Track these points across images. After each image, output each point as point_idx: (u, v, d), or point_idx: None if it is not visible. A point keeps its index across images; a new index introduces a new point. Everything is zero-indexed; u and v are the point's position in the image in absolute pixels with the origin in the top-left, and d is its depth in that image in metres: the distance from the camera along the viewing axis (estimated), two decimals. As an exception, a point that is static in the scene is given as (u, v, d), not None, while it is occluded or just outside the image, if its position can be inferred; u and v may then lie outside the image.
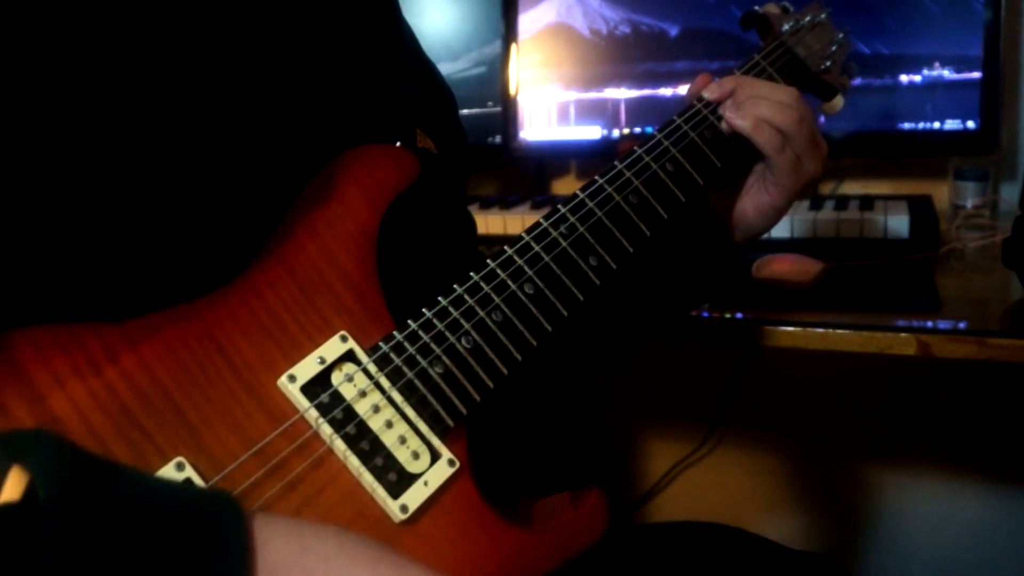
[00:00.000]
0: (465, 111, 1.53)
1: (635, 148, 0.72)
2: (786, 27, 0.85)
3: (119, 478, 0.39)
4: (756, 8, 0.86)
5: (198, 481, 0.50)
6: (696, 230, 0.79)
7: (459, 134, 0.81)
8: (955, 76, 1.23)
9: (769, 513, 1.64)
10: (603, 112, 1.44)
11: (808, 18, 0.87)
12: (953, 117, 1.24)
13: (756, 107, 0.74)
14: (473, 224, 0.87)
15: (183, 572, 0.37)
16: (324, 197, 0.60)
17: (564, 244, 0.66)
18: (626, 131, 1.42)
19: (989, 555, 1.50)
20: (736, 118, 0.74)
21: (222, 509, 0.40)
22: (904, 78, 1.25)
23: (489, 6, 1.51)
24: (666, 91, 1.39)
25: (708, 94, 0.76)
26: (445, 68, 1.53)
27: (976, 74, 1.21)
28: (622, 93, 1.42)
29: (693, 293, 0.85)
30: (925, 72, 1.24)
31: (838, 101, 0.89)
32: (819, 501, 1.62)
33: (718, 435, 1.65)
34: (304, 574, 0.40)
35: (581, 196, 0.69)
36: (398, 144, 0.66)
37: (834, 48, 0.87)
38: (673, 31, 1.38)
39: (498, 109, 1.51)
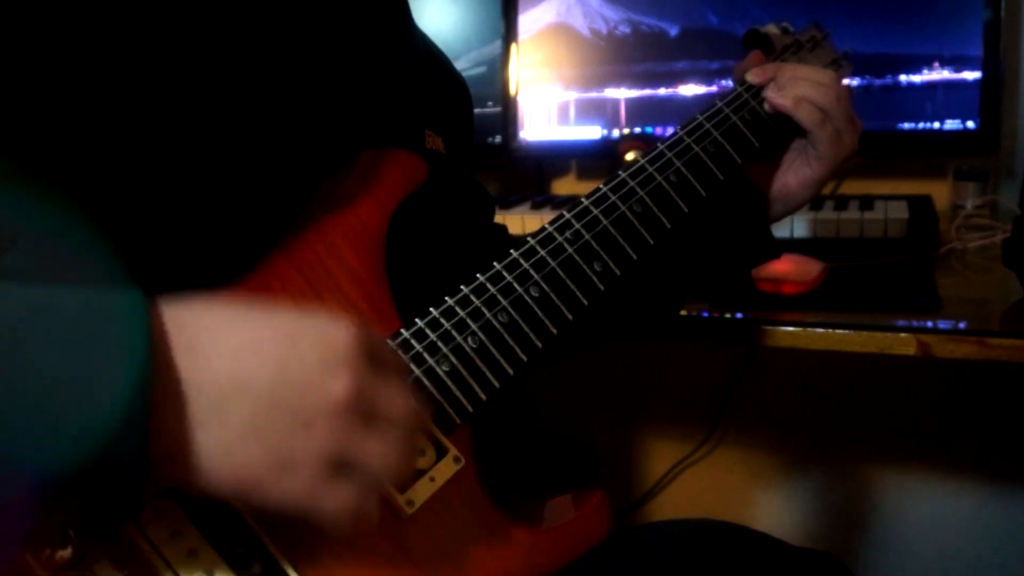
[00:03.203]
0: (465, 111, 1.53)
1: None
2: (787, 47, 0.86)
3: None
4: (757, 27, 0.88)
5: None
6: (736, 202, 0.83)
7: (470, 126, 0.84)
8: (955, 76, 1.23)
9: (769, 513, 1.64)
10: (603, 112, 1.44)
11: (808, 39, 0.88)
12: (953, 117, 1.24)
13: (796, 87, 0.79)
14: (490, 199, 0.92)
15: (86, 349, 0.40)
16: (334, 200, 0.61)
17: (570, 250, 0.67)
18: (626, 131, 1.42)
19: (989, 555, 1.50)
20: (778, 97, 0.79)
21: (123, 294, 0.43)
22: (904, 78, 1.25)
23: (489, 6, 1.52)
24: (666, 91, 1.39)
25: (752, 78, 0.81)
26: (445, 68, 1.53)
27: (976, 74, 1.22)
28: (622, 93, 1.42)
29: (729, 263, 0.88)
30: (925, 72, 1.24)
31: None
32: (819, 501, 1.62)
33: (718, 435, 1.66)
34: (189, 339, 0.43)
35: (604, 189, 0.72)
36: (406, 147, 0.67)
37: (834, 68, 0.88)
38: (673, 31, 1.38)
39: (498, 109, 1.51)
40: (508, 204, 1.41)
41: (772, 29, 0.88)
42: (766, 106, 0.81)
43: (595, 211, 0.69)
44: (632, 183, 0.72)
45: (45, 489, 0.41)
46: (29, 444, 0.39)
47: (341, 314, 0.47)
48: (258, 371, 0.44)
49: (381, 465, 0.47)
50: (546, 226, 0.68)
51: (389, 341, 0.58)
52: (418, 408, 0.50)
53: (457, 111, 0.81)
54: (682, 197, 0.74)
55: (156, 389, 0.41)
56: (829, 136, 0.79)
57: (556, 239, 0.67)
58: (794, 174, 0.84)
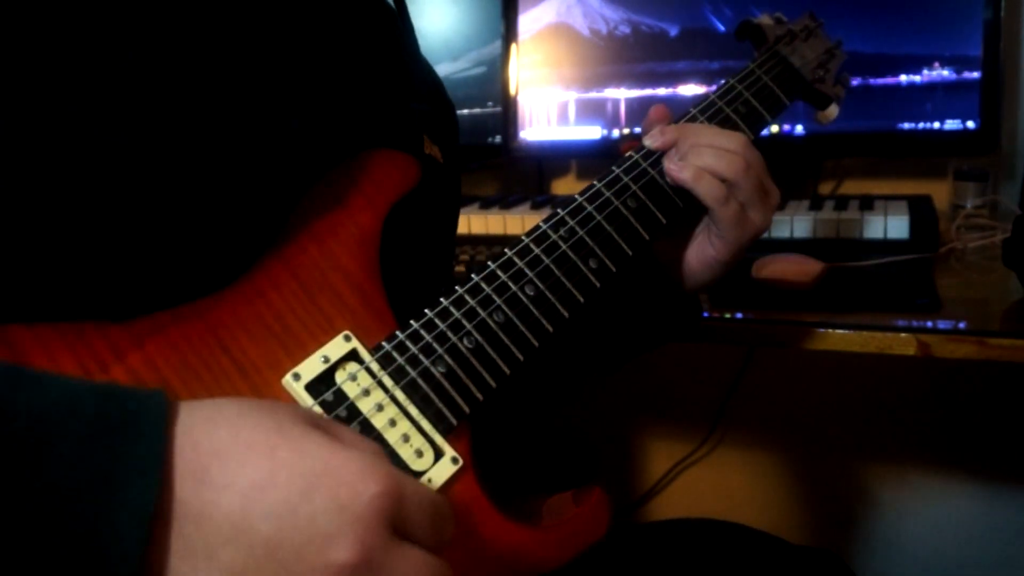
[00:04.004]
0: (465, 111, 1.54)
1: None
2: (780, 37, 0.86)
3: (26, 383, 0.40)
4: (750, 18, 0.87)
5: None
6: (642, 278, 0.78)
7: (457, 146, 0.82)
8: (955, 76, 1.23)
9: (769, 513, 1.65)
10: (603, 112, 1.44)
11: (802, 28, 0.87)
12: (953, 117, 1.24)
13: (699, 156, 0.71)
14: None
15: (94, 465, 0.38)
16: (327, 201, 0.61)
17: (564, 247, 0.67)
18: (626, 131, 1.43)
19: (988, 554, 1.50)
20: (676, 170, 0.71)
21: (144, 403, 0.41)
22: (904, 78, 1.25)
23: (489, 6, 1.52)
24: (666, 91, 1.39)
25: (650, 142, 0.73)
26: (445, 68, 1.53)
27: (976, 74, 1.22)
28: (622, 93, 1.43)
29: (643, 338, 0.83)
30: (925, 72, 1.24)
31: (832, 110, 0.89)
32: (819, 501, 1.62)
33: (718, 435, 1.66)
34: (202, 466, 0.40)
35: (599, 185, 0.70)
36: (403, 149, 0.67)
37: (828, 58, 0.88)
38: (673, 31, 1.38)
39: (498, 109, 1.51)
40: (508, 204, 1.41)
41: (765, 20, 0.87)
42: (667, 177, 0.72)
43: (589, 207, 0.69)
44: (626, 179, 0.72)
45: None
46: (13, 548, 0.37)
47: (376, 463, 0.43)
48: (262, 520, 0.40)
49: None
50: (540, 224, 0.68)
51: (386, 343, 0.57)
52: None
53: (450, 129, 0.81)
54: (660, 212, 0.72)
55: (156, 515, 0.39)
56: (732, 215, 0.70)
57: (550, 237, 0.67)
58: (696, 253, 0.75)
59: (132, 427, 0.40)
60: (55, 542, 0.38)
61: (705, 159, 0.70)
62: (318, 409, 0.54)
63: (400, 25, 0.75)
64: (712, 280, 0.76)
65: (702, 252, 0.75)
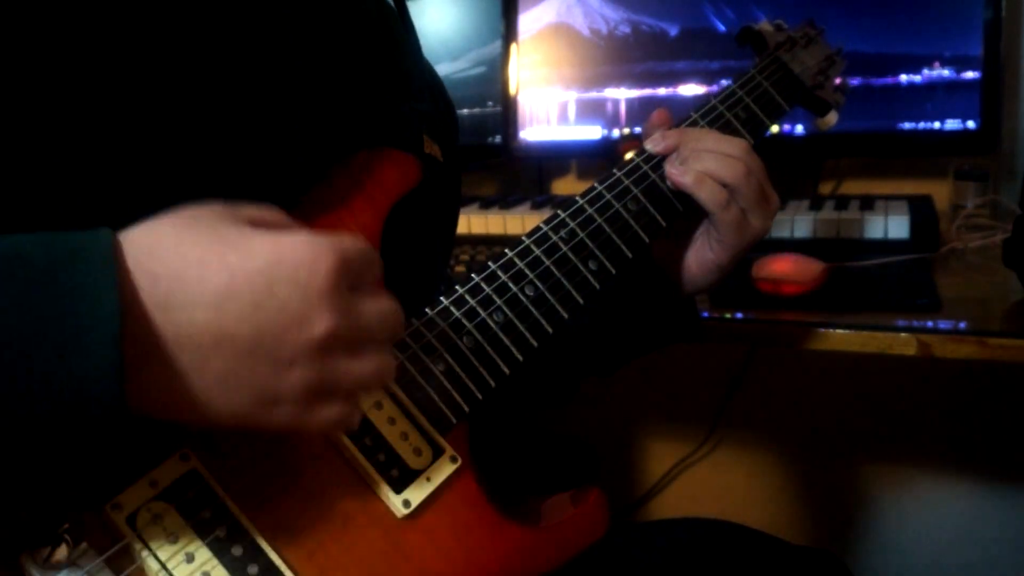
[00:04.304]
0: (465, 111, 1.54)
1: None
2: (780, 44, 0.86)
3: None
4: (751, 25, 0.87)
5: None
6: (640, 281, 0.78)
7: (456, 146, 0.82)
8: (955, 76, 1.23)
9: (769, 513, 1.64)
10: (603, 112, 1.44)
11: (802, 35, 0.88)
12: (953, 117, 1.24)
13: (700, 161, 0.71)
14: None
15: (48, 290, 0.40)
16: (327, 200, 0.61)
17: (564, 248, 0.67)
18: (626, 131, 1.42)
19: (988, 554, 1.50)
20: (678, 174, 0.71)
21: (88, 238, 0.43)
22: (904, 78, 1.25)
23: (489, 6, 1.52)
24: (666, 91, 1.39)
25: (651, 146, 0.74)
26: (445, 68, 1.53)
27: (976, 74, 1.22)
28: (622, 93, 1.42)
29: (640, 341, 0.84)
30: (925, 72, 1.24)
31: (832, 117, 0.89)
32: (819, 501, 1.62)
33: (718, 435, 1.66)
34: (164, 293, 0.43)
35: (600, 188, 0.70)
36: (404, 148, 0.67)
37: (828, 65, 0.88)
38: (673, 31, 1.38)
39: (498, 109, 1.51)
40: (508, 204, 1.41)
41: (765, 26, 0.87)
42: (668, 181, 0.72)
43: (590, 209, 0.69)
44: (627, 181, 0.72)
45: (21, 443, 0.41)
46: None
47: (316, 239, 0.46)
48: (237, 324, 0.43)
49: (365, 382, 0.48)
50: (541, 225, 0.68)
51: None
52: (394, 308, 0.50)
53: (450, 129, 0.81)
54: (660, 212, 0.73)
55: (129, 347, 0.41)
56: (733, 219, 0.70)
57: (551, 238, 0.67)
58: (695, 256, 0.76)
59: (80, 261, 0.42)
60: (31, 385, 0.40)
61: (707, 163, 0.71)
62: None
63: (400, 24, 0.75)
64: (711, 284, 0.77)
65: (701, 255, 0.75)
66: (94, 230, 0.43)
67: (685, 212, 0.73)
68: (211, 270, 0.43)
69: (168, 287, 0.43)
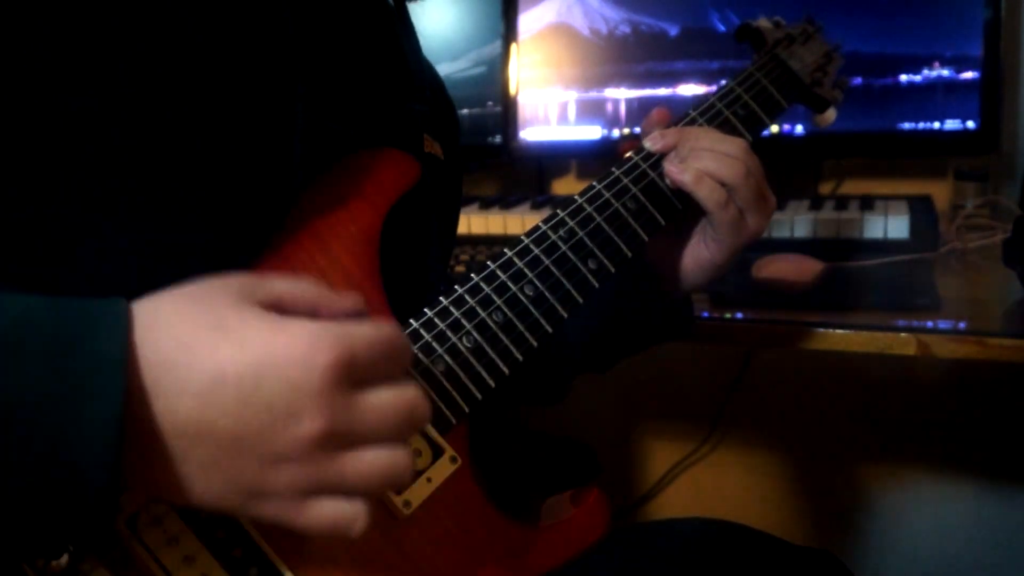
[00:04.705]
0: (465, 111, 1.53)
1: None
2: (778, 41, 0.86)
3: None
4: (749, 21, 0.87)
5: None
6: (632, 279, 0.78)
7: (458, 145, 0.82)
8: (955, 76, 1.23)
9: (769, 513, 1.64)
10: (603, 112, 1.44)
11: (800, 32, 0.87)
12: (953, 117, 1.24)
13: (699, 159, 0.71)
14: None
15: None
16: (327, 199, 0.61)
17: (564, 248, 0.67)
18: (626, 131, 1.43)
19: (988, 555, 1.50)
20: (677, 172, 0.71)
21: (101, 310, 0.42)
22: (904, 78, 1.25)
23: (489, 6, 1.52)
24: (666, 91, 1.39)
25: (650, 145, 0.74)
26: (445, 68, 1.53)
27: (976, 74, 1.22)
28: (622, 93, 1.42)
29: (633, 338, 0.84)
30: (925, 72, 1.24)
31: (831, 114, 0.89)
32: (818, 501, 1.62)
33: (718, 435, 1.65)
34: (153, 379, 0.42)
35: (599, 187, 0.70)
36: (404, 147, 0.67)
37: (826, 61, 0.88)
38: (673, 31, 1.38)
39: (498, 109, 1.51)
40: (508, 204, 1.41)
41: (764, 23, 0.87)
42: (667, 179, 0.72)
43: (589, 208, 0.69)
44: (626, 180, 0.72)
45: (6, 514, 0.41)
46: None
47: (320, 332, 0.44)
48: (220, 418, 0.42)
49: (366, 482, 0.45)
50: (540, 224, 0.68)
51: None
52: (417, 399, 0.47)
53: (451, 128, 0.81)
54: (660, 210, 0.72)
55: (127, 427, 0.41)
56: (731, 219, 0.70)
57: (550, 237, 0.67)
58: (690, 254, 0.75)
59: (91, 335, 0.41)
60: (25, 460, 0.39)
61: (706, 162, 0.71)
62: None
63: (400, 24, 0.75)
64: (705, 282, 0.77)
65: (697, 254, 0.75)
66: (108, 302, 0.43)
67: (684, 210, 0.73)
68: (200, 359, 0.42)
69: (157, 373, 0.42)
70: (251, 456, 0.43)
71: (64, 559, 0.46)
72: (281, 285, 0.47)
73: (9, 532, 0.42)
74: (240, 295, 0.45)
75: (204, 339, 0.43)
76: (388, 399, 0.46)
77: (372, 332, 0.46)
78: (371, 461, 0.45)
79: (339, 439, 0.44)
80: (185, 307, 0.44)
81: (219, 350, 0.43)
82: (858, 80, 1.26)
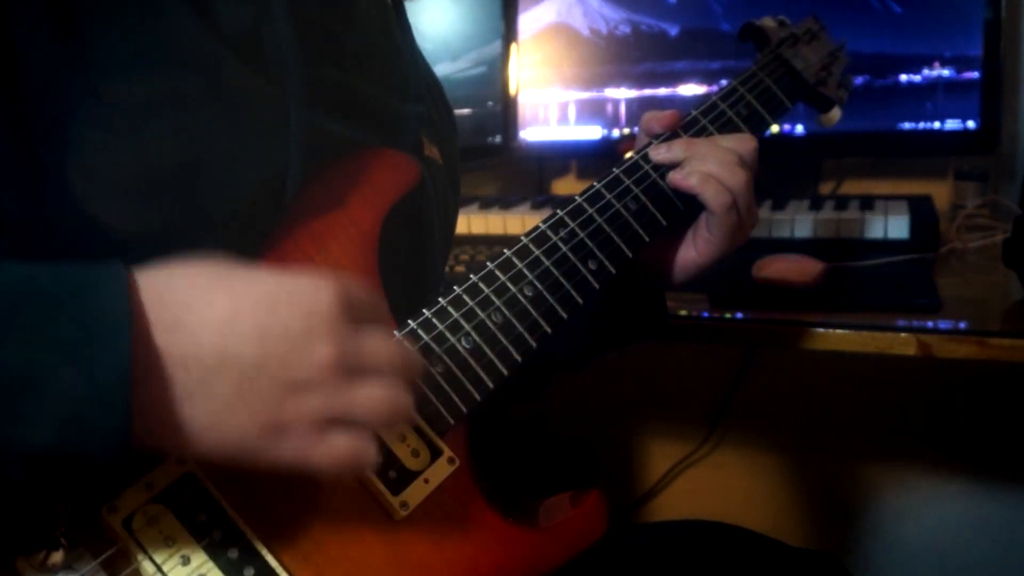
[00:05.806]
0: (465, 111, 1.53)
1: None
2: (782, 40, 0.85)
3: None
4: (753, 20, 0.87)
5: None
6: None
7: (458, 153, 0.82)
8: (955, 76, 1.23)
9: (769, 513, 1.64)
10: (603, 112, 1.44)
11: (804, 31, 0.87)
12: (953, 117, 1.24)
13: (704, 163, 0.72)
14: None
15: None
16: (325, 201, 0.61)
17: (564, 248, 0.67)
18: (626, 131, 1.42)
19: (988, 555, 1.50)
20: (681, 178, 0.71)
21: (101, 269, 0.44)
22: (904, 78, 1.25)
23: (489, 6, 1.51)
24: (666, 91, 1.39)
25: (657, 157, 0.74)
26: (445, 68, 1.53)
27: (976, 74, 1.22)
28: (622, 93, 1.42)
29: (611, 337, 0.84)
30: (925, 72, 1.24)
31: (835, 113, 0.89)
32: (819, 501, 1.62)
33: (718, 435, 1.65)
34: (172, 316, 0.44)
35: (599, 186, 0.70)
36: (402, 149, 0.67)
37: (831, 61, 0.87)
38: (673, 31, 1.38)
39: (498, 109, 1.51)
40: (508, 204, 1.40)
41: (768, 22, 0.87)
42: (672, 185, 0.73)
43: (589, 209, 0.69)
44: (627, 180, 0.72)
45: (26, 467, 0.42)
46: (7, 421, 0.40)
47: (317, 274, 0.48)
48: (241, 345, 0.44)
49: (374, 412, 0.48)
50: (540, 225, 0.68)
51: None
52: (405, 350, 0.51)
53: (449, 130, 0.81)
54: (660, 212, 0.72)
55: (138, 368, 0.42)
56: (732, 223, 0.71)
57: (550, 238, 0.67)
58: (678, 255, 0.76)
59: (95, 296, 0.43)
60: (39, 413, 0.41)
61: (710, 166, 0.71)
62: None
63: (398, 25, 0.74)
64: (685, 281, 0.76)
65: (683, 254, 0.75)
66: (106, 263, 0.44)
67: (685, 211, 0.73)
68: (217, 295, 0.45)
69: (175, 312, 0.44)
70: (274, 384, 0.45)
71: (59, 554, 0.46)
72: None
73: (33, 470, 0.43)
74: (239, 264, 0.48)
75: (218, 281, 0.46)
76: (384, 341, 0.49)
77: (360, 286, 0.49)
78: (377, 393, 0.48)
79: (349, 366, 0.47)
80: (194, 264, 0.47)
81: (233, 286, 0.46)
82: (859, 80, 1.26)
